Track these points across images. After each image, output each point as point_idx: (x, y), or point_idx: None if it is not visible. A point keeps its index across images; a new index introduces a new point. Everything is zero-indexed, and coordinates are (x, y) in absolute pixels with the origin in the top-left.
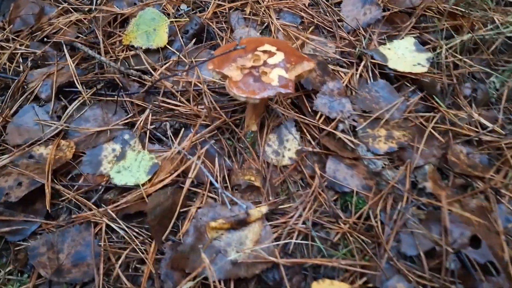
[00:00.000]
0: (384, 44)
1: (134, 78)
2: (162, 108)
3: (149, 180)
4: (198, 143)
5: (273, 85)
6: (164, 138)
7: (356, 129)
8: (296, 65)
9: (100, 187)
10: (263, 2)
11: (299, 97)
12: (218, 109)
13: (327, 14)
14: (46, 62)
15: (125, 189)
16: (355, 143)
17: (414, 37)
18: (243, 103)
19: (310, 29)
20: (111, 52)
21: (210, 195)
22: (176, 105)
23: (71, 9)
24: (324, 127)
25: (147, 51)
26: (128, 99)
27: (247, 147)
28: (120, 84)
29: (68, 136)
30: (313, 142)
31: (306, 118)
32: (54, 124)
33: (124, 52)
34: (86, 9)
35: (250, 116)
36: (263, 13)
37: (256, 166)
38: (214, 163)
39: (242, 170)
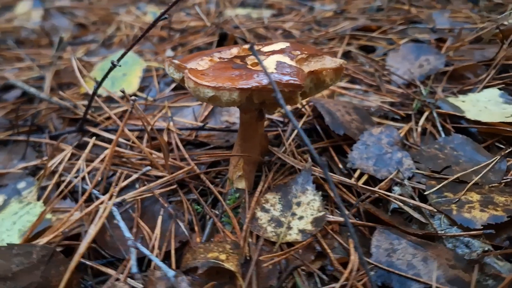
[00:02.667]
0: (455, 97)
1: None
2: (96, 151)
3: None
4: (139, 200)
5: (267, 72)
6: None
7: (426, 193)
8: (310, 57)
9: None
10: None
11: (325, 150)
12: (186, 155)
13: (368, 66)
14: None
15: None
16: (426, 211)
17: (499, 88)
18: (229, 152)
19: (343, 80)
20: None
21: (133, 284)
22: (117, 145)
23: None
24: (368, 187)
25: (109, 99)
26: (50, 141)
27: (225, 213)
28: (51, 127)
29: None
30: (347, 211)
31: (336, 176)
32: None
33: (78, 101)
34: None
35: (235, 162)
36: None
37: (235, 240)
38: (154, 229)
39: (206, 244)
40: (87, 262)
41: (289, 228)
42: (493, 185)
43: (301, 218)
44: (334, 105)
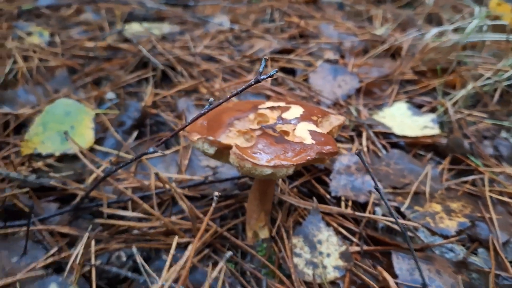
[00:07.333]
0: (375, 113)
1: (49, 198)
2: (108, 231)
3: None
4: (181, 274)
5: (308, 144)
6: (126, 273)
7: (401, 210)
8: (322, 119)
9: None
10: (215, 85)
11: (306, 182)
12: (202, 216)
13: (298, 90)
14: None
15: None
16: (411, 227)
17: (404, 102)
18: (233, 202)
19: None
20: (3, 169)
21: None
22: (131, 221)
23: None
24: (362, 214)
25: (64, 158)
26: (43, 227)
27: (263, 265)
28: (26, 208)
29: None
30: (353, 238)
31: (332, 207)
32: None
33: (26, 166)
34: None
35: (257, 215)
36: (218, 97)
37: None
38: None
39: None
40: None
41: (324, 267)
42: (439, 192)
43: (328, 255)
44: None
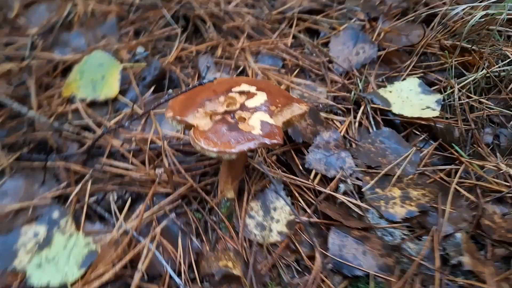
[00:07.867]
0: (384, 86)
1: (72, 137)
2: (107, 173)
3: (83, 276)
4: (155, 218)
5: (254, 135)
6: (108, 215)
7: (362, 190)
8: (283, 108)
9: None
10: (237, 44)
11: (287, 152)
12: (183, 171)
13: (314, 55)
14: None
15: None
16: (363, 208)
17: (417, 77)
18: (215, 162)
19: (295, 72)
20: (46, 107)
21: None
22: (126, 169)
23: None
24: (321, 189)
25: (93, 104)
26: (62, 163)
27: (222, 221)
28: (54, 146)
29: None
30: (308, 210)
31: (297, 178)
32: None
33: (64, 106)
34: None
35: (225, 178)
36: (237, 56)
37: (235, 246)
38: (176, 246)
39: (215, 253)
40: None
41: (270, 230)
42: (410, 177)
43: (277, 221)
44: None
